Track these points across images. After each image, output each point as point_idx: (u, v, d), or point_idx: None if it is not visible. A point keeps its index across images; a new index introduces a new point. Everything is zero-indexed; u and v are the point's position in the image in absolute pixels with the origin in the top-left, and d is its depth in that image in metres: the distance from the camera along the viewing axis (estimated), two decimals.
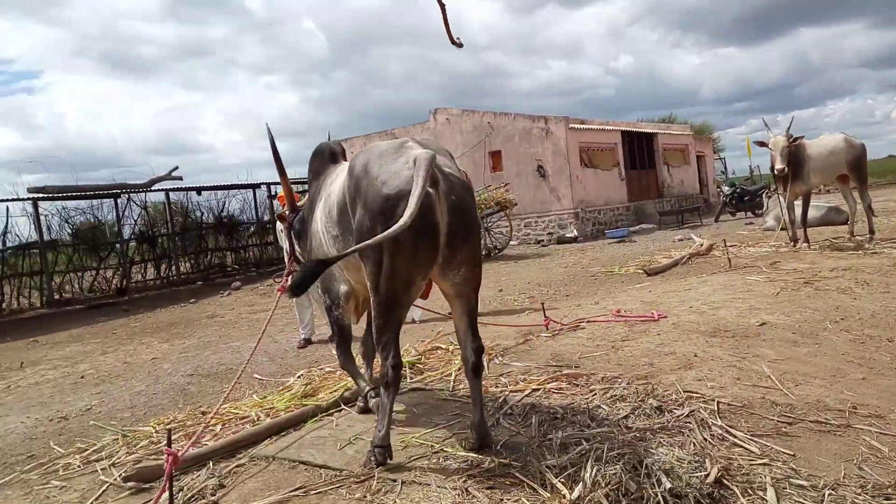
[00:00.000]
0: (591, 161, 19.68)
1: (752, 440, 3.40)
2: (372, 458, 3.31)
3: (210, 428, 4.35)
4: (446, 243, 3.12)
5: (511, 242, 18.25)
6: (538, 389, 4.35)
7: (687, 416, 3.65)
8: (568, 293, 9.06)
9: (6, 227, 15.74)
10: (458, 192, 3.18)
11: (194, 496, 3.25)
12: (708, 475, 2.96)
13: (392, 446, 3.47)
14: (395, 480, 3.17)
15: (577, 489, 2.81)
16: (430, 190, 3.03)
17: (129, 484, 3.45)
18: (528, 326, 6.18)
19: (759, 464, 3.15)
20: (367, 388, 4.21)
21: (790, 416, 3.71)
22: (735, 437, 3.43)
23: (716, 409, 3.76)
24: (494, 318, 7.16)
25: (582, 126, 20.19)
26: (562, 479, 2.93)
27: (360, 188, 3.30)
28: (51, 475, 3.95)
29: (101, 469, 3.83)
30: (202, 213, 19.44)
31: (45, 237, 15.97)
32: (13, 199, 14.92)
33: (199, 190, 18.11)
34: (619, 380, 4.37)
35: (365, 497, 3.05)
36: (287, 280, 4.52)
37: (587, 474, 2.88)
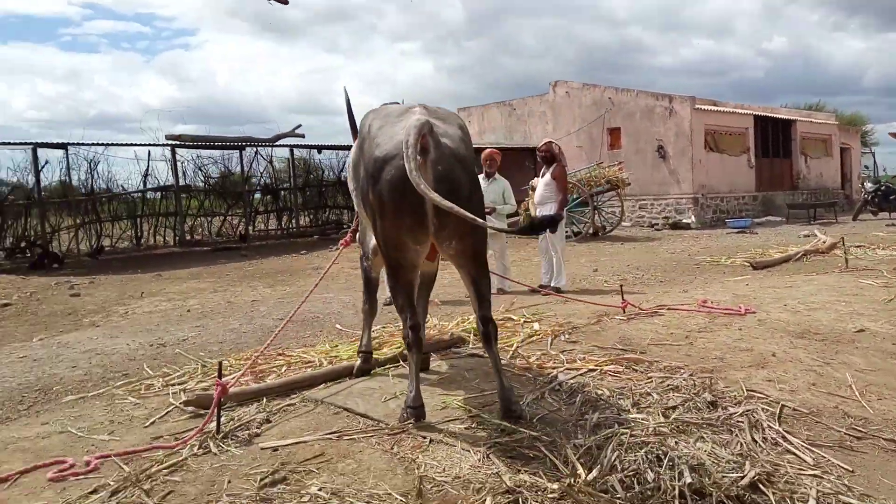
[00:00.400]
0: (717, 145, 18.58)
1: (808, 449, 3.18)
2: (404, 416, 3.39)
3: (275, 368, 4.63)
4: (434, 213, 3.08)
5: (624, 224, 17.73)
6: (595, 370, 4.26)
7: (741, 415, 3.46)
8: (663, 279, 8.71)
9: (147, 169, 17.20)
10: (446, 161, 3.14)
11: (241, 426, 3.48)
12: (743, 477, 2.81)
13: (432, 406, 3.56)
14: (424, 437, 3.24)
15: (595, 471, 2.76)
16: (418, 158, 3.01)
17: (189, 408, 3.75)
18: (604, 306, 6.02)
19: (809, 475, 2.95)
20: (362, 348, 4.41)
21: (860, 431, 3.43)
22: (790, 443, 3.23)
23: (777, 412, 3.53)
24: (576, 296, 7.03)
25: (710, 108, 19.06)
26: (582, 459, 2.88)
27: (364, 148, 3.40)
28: (133, 393, 4.36)
29: (173, 393, 4.18)
30: (323, 171, 20.32)
31: (181, 182, 17.30)
32: (153, 145, 16.26)
33: (319, 148, 18.89)
34: (681, 370, 4.19)
35: (392, 449, 3.14)
36: (350, 235, 4.71)
37: (606, 458, 2.82)
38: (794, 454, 3.13)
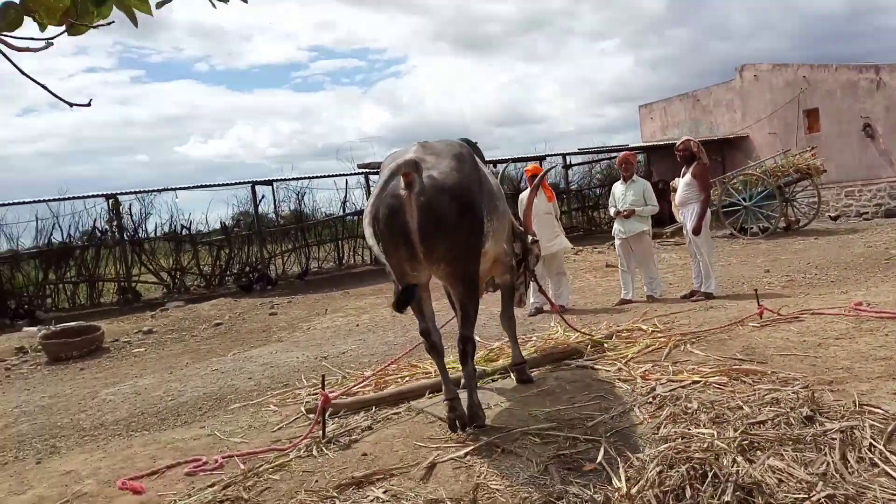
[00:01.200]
0: None
1: None
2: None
3: (399, 379, 5.07)
4: (420, 241, 3.38)
5: (828, 214, 16.00)
6: (698, 382, 4.12)
7: (838, 431, 3.19)
8: (838, 278, 7.85)
9: (345, 196, 19.02)
10: (429, 193, 3.37)
11: (345, 432, 3.95)
12: (807, 499, 2.65)
13: (518, 417, 3.77)
14: (498, 447, 3.45)
15: (637, 485, 2.78)
16: (403, 192, 3.38)
17: (311, 415, 4.31)
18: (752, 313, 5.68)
19: None
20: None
21: None
22: (892, 464, 2.93)
23: (890, 430, 3.20)
24: (722, 302, 6.67)
25: None
26: (629, 473, 2.91)
27: None
28: (281, 401, 5.05)
29: (305, 402, 4.79)
30: (521, 181, 20.93)
31: None
32: (345, 174, 18.00)
33: (494, 163, 19.48)
34: (795, 382, 3.91)
35: (465, 457, 3.39)
36: None
37: (649, 472, 2.81)
38: (892, 476, 2.85)
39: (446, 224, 3.39)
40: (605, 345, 5.32)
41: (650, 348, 5.06)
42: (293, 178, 17.39)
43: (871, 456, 3.00)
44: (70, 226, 16.63)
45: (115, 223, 16.22)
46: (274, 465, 3.56)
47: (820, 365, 4.21)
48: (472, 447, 3.48)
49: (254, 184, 16.43)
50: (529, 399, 4.20)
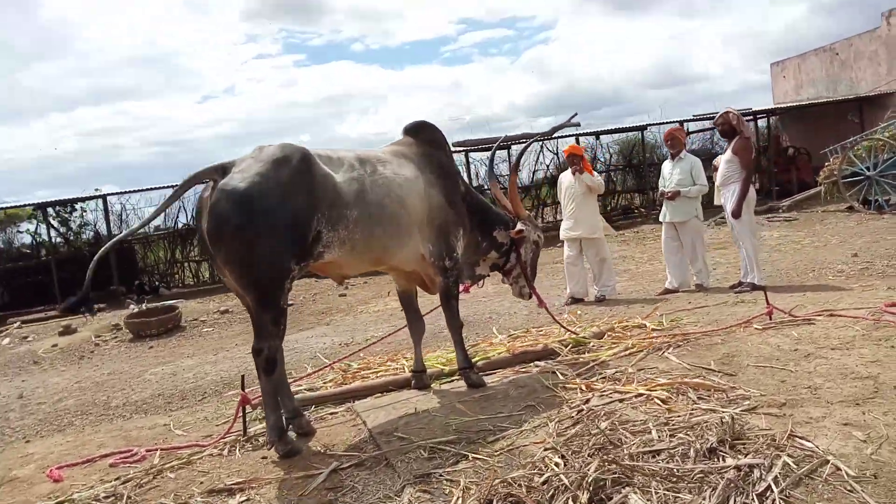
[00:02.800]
0: None
1: None
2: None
3: (372, 374, 5.03)
4: (211, 245, 3.40)
5: None
6: (641, 395, 3.73)
7: (734, 468, 2.75)
8: None
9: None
10: (215, 198, 3.33)
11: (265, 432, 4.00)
12: None
13: (434, 426, 3.64)
14: (384, 461, 3.35)
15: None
16: (205, 196, 3.43)
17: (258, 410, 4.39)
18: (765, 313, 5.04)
19: None
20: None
21: None
22: None
23: (802, 471, 2.71)
24: (759, 296, 5.94)
25: None
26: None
27: None
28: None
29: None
30: (611, 156, 19.99)
31: (475, 183, 18.81)
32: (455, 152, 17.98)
33: (597, 134, 18.60)
34: (743, 402, 3.43)
35: (347, 469, 3.32)
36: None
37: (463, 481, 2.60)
38: None
39: (227, 230, 3.31)
40: (589, 344, 4.96)
41: (628, 351, 4.65)
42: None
43: (777, 498, 2.57)
44: (193, 208, 18.15)
45: None
46: (182, 461, 3.70)
47: (789, 381, 3.65)
48: (357, 461, 3.39)
49: None
50: (460, 406, 4.01)
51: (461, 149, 17.83)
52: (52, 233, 18.02)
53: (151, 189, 16.57)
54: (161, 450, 3.92)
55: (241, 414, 3.97)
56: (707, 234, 8.73)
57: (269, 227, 3.35)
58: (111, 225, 17.39)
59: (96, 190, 17.75)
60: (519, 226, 4.64)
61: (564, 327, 5.20)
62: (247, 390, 4.03)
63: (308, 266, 3.64)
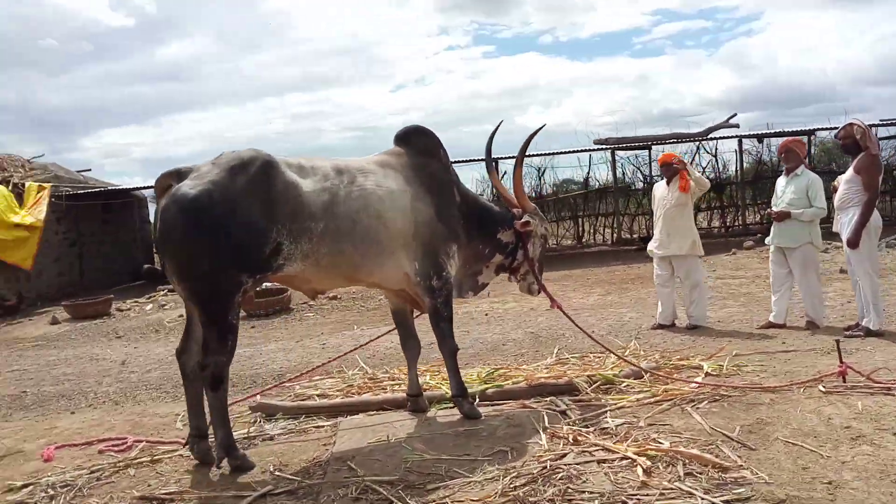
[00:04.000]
0: None
1: None
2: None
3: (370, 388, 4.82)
4: (161, 253, 3.41)
5: None
6: (626, 459, 3.17)
7: None
8: None
9: (588, 172, 18.29)
10: (163, 205, 3.30)
11: (246, 438, 3.95)
12: None
13: (390, 459, 3.39)
14: (310, 495, 3.15)
15: None
16: (162, 202, 3.33)
17: (257, 413, 4.38)
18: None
19: None
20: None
21: None
22: None
23: None
24: (864, 343, 4.89)
25: None
26: None
27: None
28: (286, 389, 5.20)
29: (296, 393, 4.87)
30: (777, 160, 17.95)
31: (620, 183, 17.82)
32: (579, 151, 17.15)
33: (760, 137, 16.67)
34: (736, 488, 2.78)
35: (265, 498, 3.16)
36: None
37: None
38: None
39: (173, 239, 3.25)
40: (618, 384, 4.36)
41: (655, 398, 4.01)
42: (535, 154, 17.05)
43: None
44: None
45: None
46: (151, 458, 3.75)
47: (812, 469, 2.91)
48: (291, 488, 3.21)
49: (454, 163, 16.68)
50: (434, 439, 3.68)
51: (605, 147, 16.92)
52: None
53: None
54: (147, 442, 4.02)
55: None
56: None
57: (216, 238, 3.23)
58: None
59: None
60: (525, 218, 4.25)
61: (594, 339, 4.73)
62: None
63: (266, 279, 3.50)
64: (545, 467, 3.14)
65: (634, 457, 3.15)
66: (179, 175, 3.36)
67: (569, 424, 3.69)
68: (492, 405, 4.25)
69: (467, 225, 4.08)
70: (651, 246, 6.71)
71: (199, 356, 3.44)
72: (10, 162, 15.10)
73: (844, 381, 3.87)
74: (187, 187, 3.25)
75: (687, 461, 3.06)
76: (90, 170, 17.74)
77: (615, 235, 17.83)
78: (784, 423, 3.43)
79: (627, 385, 4.33)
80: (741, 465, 2.98)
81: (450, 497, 2.97)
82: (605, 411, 3.89)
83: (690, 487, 2.81)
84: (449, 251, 3.96)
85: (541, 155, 17.52)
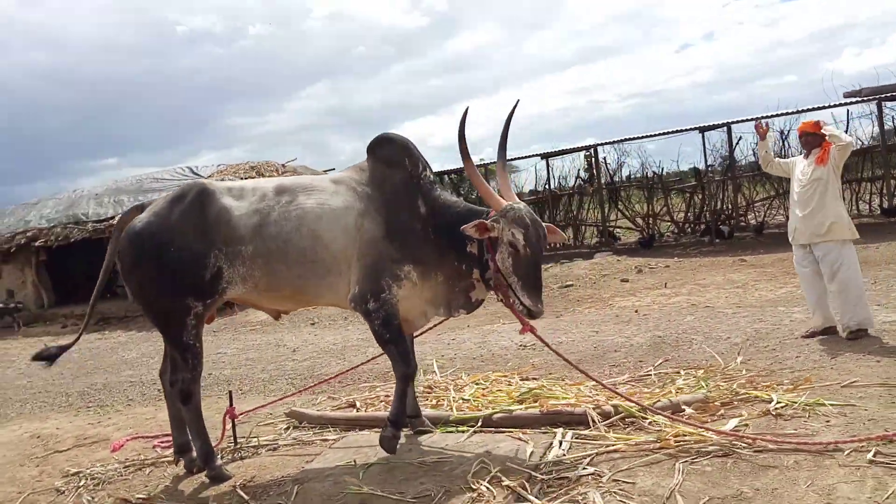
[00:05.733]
0: None
1: None
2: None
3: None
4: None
5: None
6: None
7: None
8: None
9: (846, 129, 15.28)
10: (121, 239, 3.63)
11: (251, 447, 4.19)
12: None
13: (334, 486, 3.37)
14: None
15: None
16: None
17: (293, 420, 4.59)
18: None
19: None
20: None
21: None
22: None
23: None
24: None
25: None
26: None
27: None
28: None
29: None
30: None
31: (889, 140, 14.65)
32: (830, 106, 14.31)
33: None
34: None
35: None
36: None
37: None
38: None
39: (125, 269, 3.65)
40: (640, 419, 3.66)
41: (657, 444, 3.29)
42: (767, 116, 14.74)
43: None
44: (559, 177, 18.63)
45: (593, 172, 17.39)
46: (165, 460, 4.16)
47: None
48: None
49: (702, 129, 14.94)
50: (393, 469, 3.51)
51: (851, 100, 14.07)
52: None
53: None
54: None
55: (227, 426, 4.22)
56: None
57: (158, 266, 3.50)
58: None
59: (481, 160, 19.70)
60: (479, 221, 3.46)
61: (569, 362, 3.94)
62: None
63: (217, 302, 3.64)
64: None
65: None
66: (141, 209, 3.66)
67: (529, 471, 3.22)
68: (497, 432, 3.89)
69: (439, 240, 3.67)
70: (789, 230, 5.49)
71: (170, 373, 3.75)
72: (267, 167, 17.63)
73: (883, 445, 2.76)
74: (137, 221, 3.57)
75: None
76: (334, 169, 19.96)
77: (887, 202, 14.70)
78: (784, 499, 2.57)
79: (652, 422, 3.61)
80: None
81: None
82: (590, 455, 3.30)
83: None
84: (399, 273, 3.61)
85: (784, 115, 15.15)
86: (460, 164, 3.80)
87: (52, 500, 3.78)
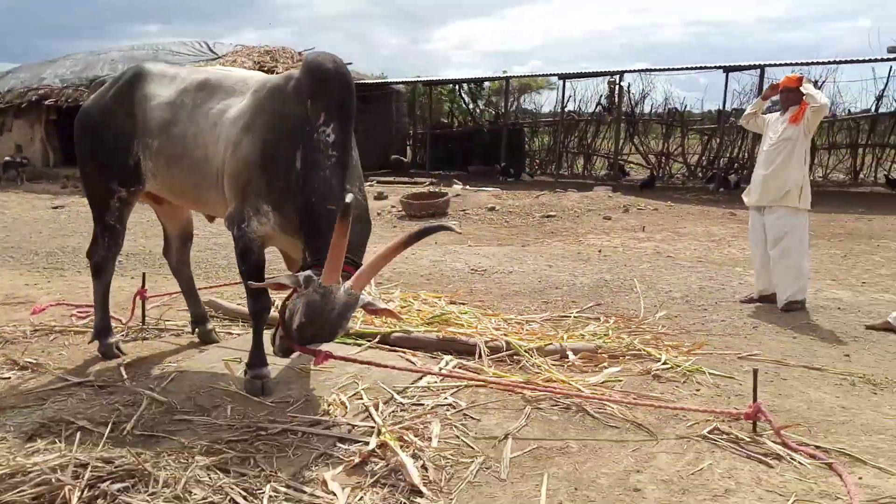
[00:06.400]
0: None
1: None
2: None
3: None
4: None
5: None
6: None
7: None
8: None
9: (883, 90, 14.53)
10: None
11: (162, 328, 4.29)
12: None
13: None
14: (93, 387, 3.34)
15: None
16: None
17: None
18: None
19: None
20: None
21: None
22: None
23: None
24: None
25: None
26: None
27: None
28: None
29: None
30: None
31: None
32: (871, 60, 13.51)
33: None
34: None
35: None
36: None
37: None
38: None
39: (74, 146, 3.71)
40: (525, 358, 3.65)
41: (515, 385, 3.28)
42: (780, 65, 13.86)
43: None
44: (580, 101, 18.04)
45: (615, 101, 16.81)
46: (72, 330, 4.28)
47: None
48: (90, 385, 3.41)
49: (727, 69, 14.23)
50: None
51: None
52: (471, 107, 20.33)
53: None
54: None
55: (136, 306, 4.30)
56: None
57: (90, 145, 3.60)
58: (508, 106, 18.70)
59: (504, 72, 19.11)
60: (286, 278, 2.97)
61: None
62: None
63: (139, 192, 3.66)
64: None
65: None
66: (100, 87, 3.77)
67: (392, 392, 3.25)
68: (392, 350, 3.91)
69: (299, 212, 3.09)
70: (746, 191, 5.29)
71: (177, 253, 4.07)
72: (282, 54, 17.25)
73: (755, 429, 2.71)
74: (86, 101, 3.69)
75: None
76: (351, 63, 19.46)
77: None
78: (594, 457, 2.57)
79: (534, 364, 3.60)
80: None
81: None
82: (458, 387, 3.32)
83: None
84: (259, 207, 3.16)
85: (821, 63, 14.37)
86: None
87: None
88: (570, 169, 18.06)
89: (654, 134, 17.67)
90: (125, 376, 3.51)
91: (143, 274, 4.61)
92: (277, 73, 15.18)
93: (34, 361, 3.70)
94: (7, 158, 16.52)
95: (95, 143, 3.56)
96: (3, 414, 3.05)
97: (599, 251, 7.55)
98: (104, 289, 3.84)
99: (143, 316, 4.38)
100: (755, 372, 2.80)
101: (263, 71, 15.07)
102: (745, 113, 5.57)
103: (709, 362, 3.68)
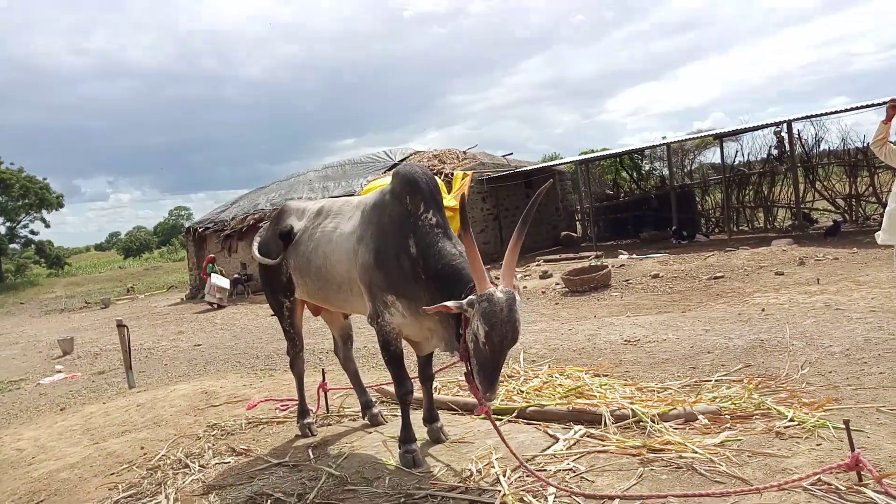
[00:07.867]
0: None
1: None
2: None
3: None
4: None
5: None
6: None
7: None
8: None
9: None
10: None
11: (343, 416, 5.09)
12: None
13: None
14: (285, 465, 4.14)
15: None
16: None
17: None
18: None
19: None
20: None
21: None
22: None
23: None
24: None
25: None
26: None
27: None
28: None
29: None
30: None
31: None
32: None
33: None
34: None
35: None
36: None
37: None
38: None
39: None
40: (649, 424, 3.89)
41: (621, 451, 3.55)
42: (844, 110, 12.36)
43: None
44: (748, 153, 17.42)
45: (785, 149, 16.08)
46: (275, 421, 5.22)
47: None
48: (286, 464, 4.24)
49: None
50: (425, 446, 4.14)
51: None
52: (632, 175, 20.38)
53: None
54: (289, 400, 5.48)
55: (320, 397, 5.18)
56: None
57: (264, 268, 4.73)
58: (673, 169, 18.55)
59: (663, 138, 19.06)
60: (455, 303, 3.27)
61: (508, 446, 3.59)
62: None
63: (296, 300, 4.63)
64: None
65: None
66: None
67: (521, 461, 3.68)
68: (528, 423, 4.34)
69: (430, 283, 3.60)
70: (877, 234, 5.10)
71: (342, 350, 5.04)
72: (448, 155, 18.79)
73: (860, 480, 2.76)
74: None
75: None
76: (512, 153, 20.59)
77: None
78: None
79: (662, 427, 3.84)
80: None
81: None
82: (582, 454, 3.66)
83: None
84: (386, 300, 3.79)
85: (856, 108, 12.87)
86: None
87: (191, 443, 5.01)
88: (749, 224, 17.30)
89: (837, 177, 16.44)
90: (311, 456, 4.29)
91: (322, 370, 5.52)
92: (444, 173, 16.70)
93: (246, 448, 4.64)
94: (236, 276, 19.54)
95: (264, 266, 4.66)
96: (224, 490, 3.94)
97: (763, 310, 7.36)
98: (299, 380, 4.84)
99: (326, 405, 5.24)
100: (847, 423, 2.87)
101: (434, 172, 16.54)
102: (873, 139, 5.32)
103: (845, 417, 3.66)
